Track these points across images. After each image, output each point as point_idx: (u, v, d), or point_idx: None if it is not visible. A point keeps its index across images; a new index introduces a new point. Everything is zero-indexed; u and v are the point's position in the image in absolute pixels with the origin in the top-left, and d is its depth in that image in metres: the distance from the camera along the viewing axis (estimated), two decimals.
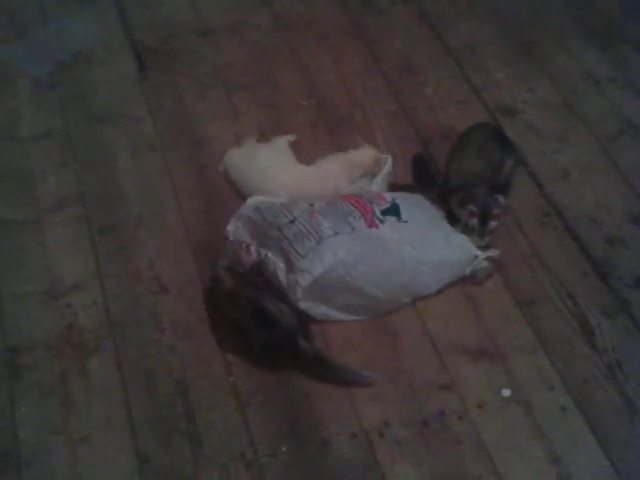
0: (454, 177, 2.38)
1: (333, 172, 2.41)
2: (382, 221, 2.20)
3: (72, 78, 2.83)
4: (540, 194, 2.50)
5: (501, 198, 2.34)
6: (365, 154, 2.44)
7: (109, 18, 3.05)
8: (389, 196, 2.29)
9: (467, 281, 2.26)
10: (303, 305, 2.12)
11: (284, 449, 1.97)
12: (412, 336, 2.17)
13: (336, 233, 2.16)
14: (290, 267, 2.14)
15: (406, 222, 2.22)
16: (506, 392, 2.07)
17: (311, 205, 2.24)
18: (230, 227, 2.30)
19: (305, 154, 2.52)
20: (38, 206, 2.45)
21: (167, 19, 3.04)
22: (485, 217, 2.26)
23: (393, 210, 2.24)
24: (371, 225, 2.18)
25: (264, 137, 2.60)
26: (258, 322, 2.07)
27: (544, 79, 2.86)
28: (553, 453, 1.96)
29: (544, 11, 3.11)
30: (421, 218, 2.28)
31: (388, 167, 2.42)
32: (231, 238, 2.28)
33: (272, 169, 2.43)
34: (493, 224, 2.27)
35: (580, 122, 2.71)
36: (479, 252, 2.25)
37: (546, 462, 1.95)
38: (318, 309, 2.16)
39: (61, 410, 2.03)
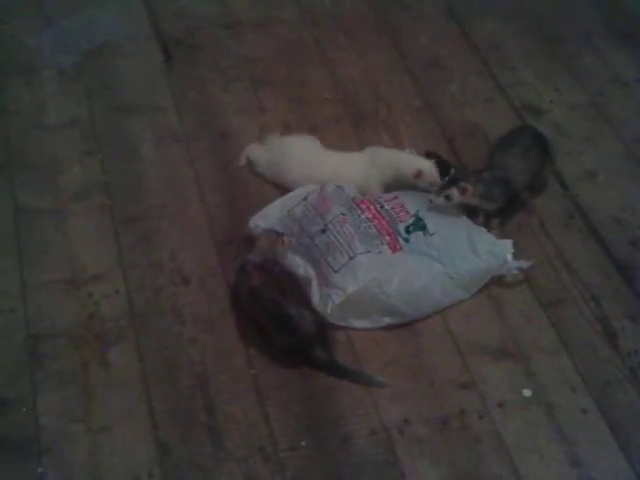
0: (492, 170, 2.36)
1: (376, 165, 2.40)
2: (407, 240, 2.20)
3: (98, 68, 2.84)
4: (565, 195, 2.49)
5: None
6: (411, 164, 2.38)
7: (135, 9, 3.05)
8: (412, 207, 2.27)
9: (495, 281, 2.25)
10: (331, 319, 2.12)
11: (304, 444, 1.96)
12: (434, 334, 2.17)
13: (367, 251, 2.15)
14: (323, 279, 2.14)
15: (433, 235, 2.21)
16: (527, 392, 2.06)
17: (343, 214, 2.22)
18: (253, 223, 2.29)
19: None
20: (62, 195, 2.46)
21: (193, 11, 3.05)
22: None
23: (418, 225, 2.23)
24: (395, 250, 2.17)
25: (288, 131, 2.59)
26: (278, 325, 2.07)
27: (570, 79, 2.84)
28: (574, 456, 1.95)
29: (571, 10, 3.09)
30: (448, 226, 2.26)
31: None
32: (262, 226, 2.27)
33: (315, 156, 2.45)
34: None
35: (606, 123, 2.69)
36: (509, 258, 2.22)
37: (567, 465, 1.94)
38: (345, 322, 2.15)
39: (82, 399, 2.03)
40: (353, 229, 2.19)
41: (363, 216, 2.23)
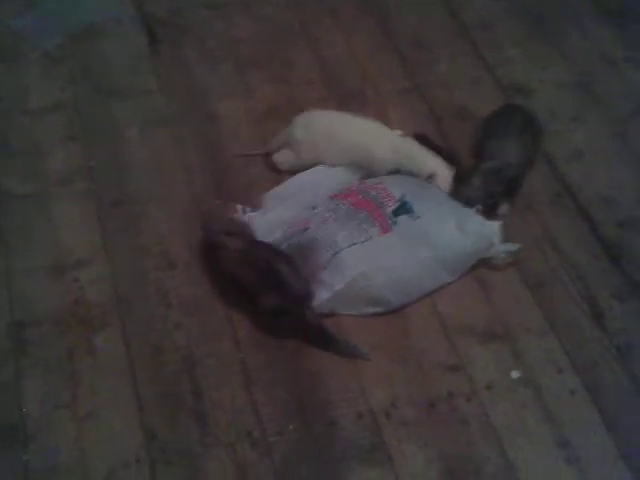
0: (495, 157, 2.36)
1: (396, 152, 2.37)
2: (395, 222, 2.18)
3: (82, 51, 2.81)
4: (552, 174, 2.47)
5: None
6: (428, 165, 2.34)
7: None
8: (397, 191, 2.24)
9: (483, 264, 2.24)
10: (319, 310, 2.10)
11: (291, 428, 1.96)
12: (422, 317, 2.16)
13: (352, 243, 2.13)
14: (311, 276, 2.10)
15: (419, 217, 2.19)
16: (515, 374, 2.06)
17: (314, 209, 2.21)
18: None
19: None
20: (46, 180, 2.43)
21: None
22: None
23: (404, 209, 2.20)
24: (385, 231, 2.16)
25: (276, 113, 2.58)
26: (269, 283, 2.05)
27: (558, 58, 2.83)
28: (562, 437, 1.95)
29: None
30: (435, 208, 2.24)
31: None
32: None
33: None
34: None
35: (594, 102, 2.68)
36: (497, 240, 2.21)
37: (554, 445, 1.94)
38: (332, 312, 2.14)
39: (67, 385, 2.02)
40: (337, 223, 2.16)
41: (351, 208, 2.20)
